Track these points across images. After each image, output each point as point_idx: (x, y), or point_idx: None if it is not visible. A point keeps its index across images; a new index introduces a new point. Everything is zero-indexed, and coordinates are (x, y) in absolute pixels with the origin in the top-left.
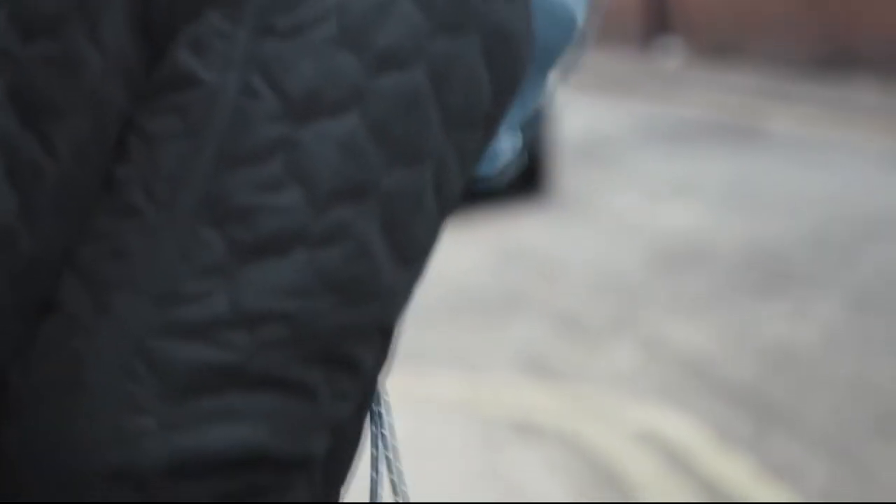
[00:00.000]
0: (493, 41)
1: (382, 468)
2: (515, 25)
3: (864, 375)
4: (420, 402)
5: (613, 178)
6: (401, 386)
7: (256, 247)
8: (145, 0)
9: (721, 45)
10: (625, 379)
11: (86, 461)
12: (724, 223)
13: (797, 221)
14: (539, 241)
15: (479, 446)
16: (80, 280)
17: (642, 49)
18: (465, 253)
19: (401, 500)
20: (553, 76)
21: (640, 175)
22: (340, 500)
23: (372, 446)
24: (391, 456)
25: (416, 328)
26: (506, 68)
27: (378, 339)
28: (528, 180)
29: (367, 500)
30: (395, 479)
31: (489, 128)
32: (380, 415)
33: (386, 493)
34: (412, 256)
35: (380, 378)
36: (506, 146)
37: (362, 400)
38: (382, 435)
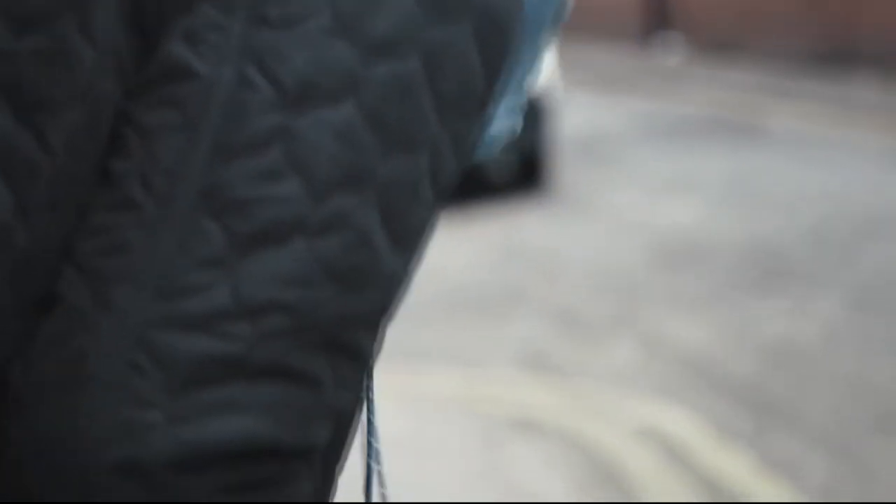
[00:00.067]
0: (484, 26)
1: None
2: (506, 9)
3: (864, 373)
4: (420, 399)
5: (613, 175)
6: (401, 384)
7: (256, 237)
8: None
9: (721, 42)
10: (625, 376)
11: (92, 457)
12: (724, 220)
13: (797, 219)
14: (539, 238)
15: (479, 444)
16: (80, 275)
17: (642, 46)
18: (464, 250)
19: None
20: (544, 51)
21: (640, 172)
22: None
23: (368, 434)
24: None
25: (415, 326)
26: (497, 53)
27: (378, 325)
28: (528, 177)
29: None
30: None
31: (482, 113)
32: (370, 401)
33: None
34: (410, 243)
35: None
36: (503, 127)
37: (361, 387)
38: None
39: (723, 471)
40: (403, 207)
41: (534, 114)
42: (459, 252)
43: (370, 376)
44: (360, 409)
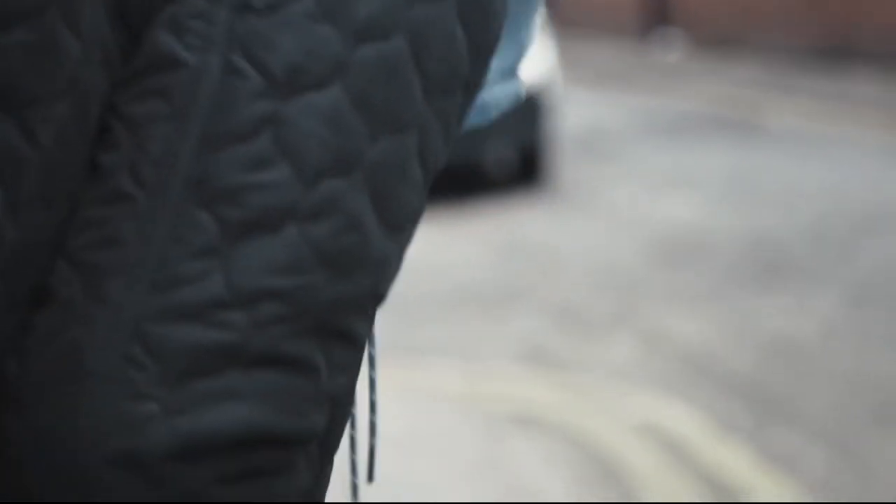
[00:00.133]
0: (468, 3)
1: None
2: None
3: (863, 368)
4: (420, 395)
5: (613, 172)
6: (401, 380)
7: (248, 225)
8: None
9: (721, 38)
10: (625, 371)
11: (91, 451)
12: (724, 216)
13: (796, 215)
14: (539, 235)
15: (479, 439)
16: (72, 269)
17: (642, 42)
18: (464, 246)
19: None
20: (540, 12)
21: (639, 168)
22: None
23: (371, 413)
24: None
25: (415, 322)
26: (482, 30)
27: (371, 309)
28: (527, 174)
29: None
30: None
31: (468, 91)
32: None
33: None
34: (400, 225)
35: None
36: (501, 94)
37: (357, 372)
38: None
39: (723, 466)
40: (392, 189)
41: (533, 110)
42: (459, 248)
43: (373, 365)
44: (355, 392)
